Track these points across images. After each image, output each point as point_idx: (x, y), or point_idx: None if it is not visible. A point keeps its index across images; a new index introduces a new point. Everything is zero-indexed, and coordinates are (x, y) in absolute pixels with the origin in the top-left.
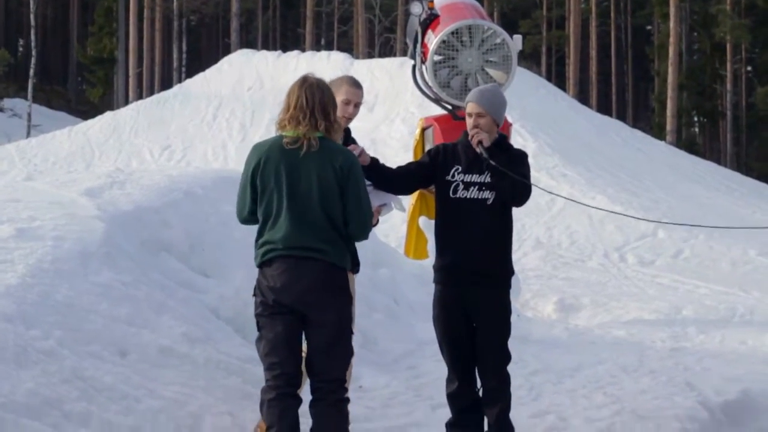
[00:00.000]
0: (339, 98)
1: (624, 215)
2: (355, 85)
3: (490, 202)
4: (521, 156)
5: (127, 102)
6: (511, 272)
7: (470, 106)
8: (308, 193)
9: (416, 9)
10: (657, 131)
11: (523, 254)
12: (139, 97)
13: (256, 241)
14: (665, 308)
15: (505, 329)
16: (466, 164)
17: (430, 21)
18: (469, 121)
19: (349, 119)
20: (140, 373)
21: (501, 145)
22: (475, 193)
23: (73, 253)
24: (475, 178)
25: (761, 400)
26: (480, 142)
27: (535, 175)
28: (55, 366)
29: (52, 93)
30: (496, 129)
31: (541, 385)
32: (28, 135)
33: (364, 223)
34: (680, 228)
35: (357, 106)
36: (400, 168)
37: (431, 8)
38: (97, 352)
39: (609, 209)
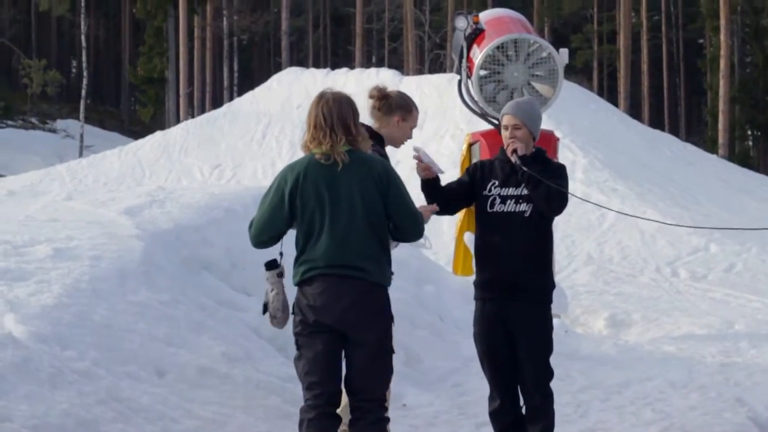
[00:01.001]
0: (410, 124)
1: (671, 224)
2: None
3: (527, 214)
4: (559, 167)
5: (178, 121)
6: (552, 286)
7: (506, 119)
8: (351, 207)
9: (461, 24)
10: (710, 145)
11: (574, 270)
12: (191, 116)
13: (296, 259)
14: (717, 323)
15: (546, 345)
16: (502, 178)
17: (476, 35)
18: (505, 134)
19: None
20: (178, 394)
21: (538, 158)
22: (512, 207)
23: (111, 273)
24: (512, 191)
25: None
26: (515, 151)
27: (586, 191)
28: (91, 387)
29: (104, 114)
30: (533, 142)
31: (588, 402)
32: (81, 156)
33: (416, 222)
34: (733, 242)
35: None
36: (444, 188)
37: (476, 23)
38: (134, 372)
39: (659, 220)
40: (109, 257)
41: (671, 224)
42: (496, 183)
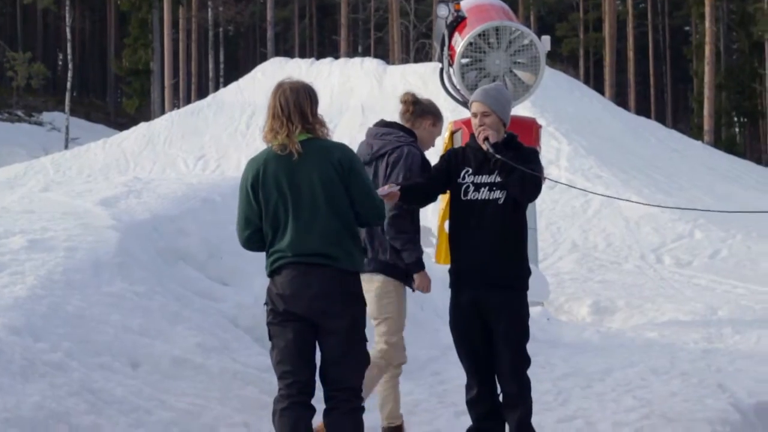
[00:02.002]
0: (438, 129)
1: (638, 203)
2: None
3: (501, 202)
4: (531, 152)
5: (163, 113)
6: (527, 273)
7: (475, 106)
8: (313, 196)
9: (442, 11)
10: (696, 132)
11: (559, 257)
12: (176, 107)
13: (266, 251)
14: (701, 309)
15: (522, 332)
16: (475, 166)
17: (457, 23)
18: (475, 121)
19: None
20: (152, 385)
21: (509, 143)
22: (485, 194)
23: (85, 264)
24: (485, 178)
25: None
26: (486, 139)
27: (570, 177)
28: (63, 379)
29: (90, 106)
30: (504, 128)
31: (569, 390)
32: (66, 148)
33: (376, 208)
34: (717, 228)
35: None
36: (422, 178)
37: (458, 10)
38: (108, 363)
39: (643, 202)
40: (84, 248)
41: (654, 206)
42: (470, 171)
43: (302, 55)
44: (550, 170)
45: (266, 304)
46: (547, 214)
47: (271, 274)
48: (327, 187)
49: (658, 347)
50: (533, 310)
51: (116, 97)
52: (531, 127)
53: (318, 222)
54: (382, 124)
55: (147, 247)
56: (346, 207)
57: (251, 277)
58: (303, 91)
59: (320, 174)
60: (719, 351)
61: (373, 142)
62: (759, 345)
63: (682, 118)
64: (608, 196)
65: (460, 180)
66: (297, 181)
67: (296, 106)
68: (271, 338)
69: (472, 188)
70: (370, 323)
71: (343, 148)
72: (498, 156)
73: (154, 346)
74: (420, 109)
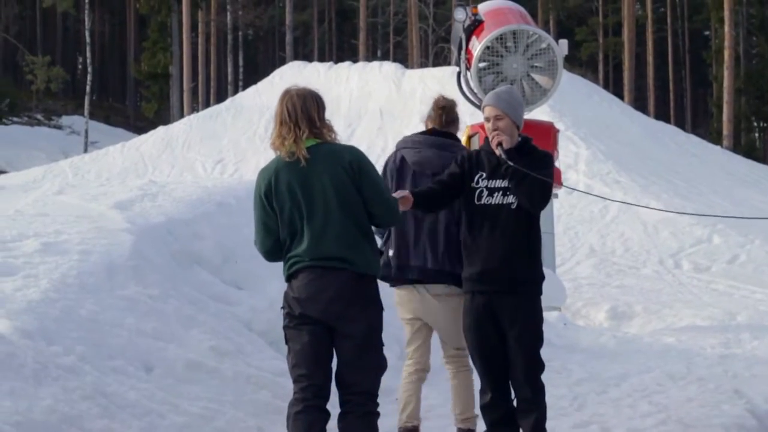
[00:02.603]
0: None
1: (672, 212)
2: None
3: (514, 206)
4: (545, 156)
5: (182, 117)
6: (541, 277)
7: (487, 110)
8: (326, 200)
9: (460, 15)
10: (715, 137)
11: (576, 262)
12: (195, 111)
13: (284, 257)
14: (719, 314)
15: (536, 336)
16: (489, 170)
17: (475, 27)
18: (488, 126)
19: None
20: (165, 389)
21: (524, 147)
22: (499, 199)
23: (99, 267)
24: (499, 183)
25: None
26: (500, 144)
27: (589, 182)
28: (76, 382)
29: (110, 110)
30: (517, 131)
31: (585, 395)
32: (85, 152)
33: (390, 207)
34: (736, 233)
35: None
36: (435, 183)
37: (475, 14)
38: (121, 367)
39: (660, 209)
40: (98, 251)
41: (672, 212)
42: (484, 175)
43: (321, 59)
44: (568, 175)
45: (283, 307)
46: (564, 219)
47: (288, 278)
48: (339, 190)
49: (675, 352)
50: (550, 315)
51: (136, 100)
52: (549, 131)
53: (332, 226)
54: (437, 133)
55: (161, 251)
56: (360, 209)
57: (266, 281)
58: (310, 97)
59: (331, 177)
60: (736, 356)
61: (442, 154)
62: None
63: (701, 122)
64: (623, 202)
65: (474, 184)
66: (309, 187)
67: (303, 111)
68: (287, 342)
69: (486, 193)
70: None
71: (352, 150)
72: (510, 163)
73: (168, 350)
74: (456, 115)
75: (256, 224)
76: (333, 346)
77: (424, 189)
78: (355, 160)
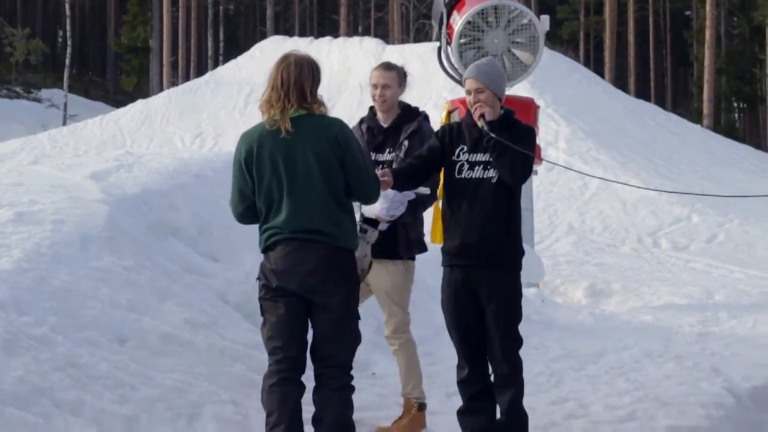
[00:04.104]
0: (370, 84)
1: (636, 187)
2: (382, 67)
3: (494, 180)
4: (526, 131)
5: (161, 91)
6: (521, 253)
7: (468, 83)
8: (308, 173)
9: None
10: (695, 116)
11: (555, 240)
12: (175, 85)
13: (260, 227)
14: (697, 293)
15: (514, 312)
16: (471, 144)
17: (456, 2)
18: (469, 98)
19: (384, 101)
20: (138, 361)
21: (506, 120)
22: (480, 173)
23: (73, 237)
24: (480, 157)
25: None
26: (482, 116)
27: (568, 159)
28: (48, 353)
29: (89, 83)
30: (499, 103)
31: (562, 372)
32: (64, 125)
33: (370, 185)
34: (715, 212)
35: (385, 87)
36: (414, 159)
37: None
38: (94, 338)
39: (640, 186)
40: (73, 222)
41: (651, 189)
42: (465, 148)
43: (302, 34)
44: (548, 152)
45: (259, 279)
46: (544, 196)
47: (265, 249)
48: (323, 163)
49: (653, 330)
50: (528, 292)
51: (116, 74)
52: (530, 107)
53: (313, 198)
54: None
55: (137, 222)
56: (341, 184)
57: (242, 253)
58: (307, 67)
59: (316, 151)
60: (715, 335)
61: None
62: (755, 329)
63: (682, 102)
64: (603, 179)
65: (454, 158)
66: (293, 158)
67: (296, 83)
68: (262, 313)
69: (466, 166)
70: (365, 302)
71: (340, 123)
72: (492, 135)
73: (142, 322)
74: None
75: (232, 187)
76: (309, 319)
77: (403, 166)
78: (342, 134)
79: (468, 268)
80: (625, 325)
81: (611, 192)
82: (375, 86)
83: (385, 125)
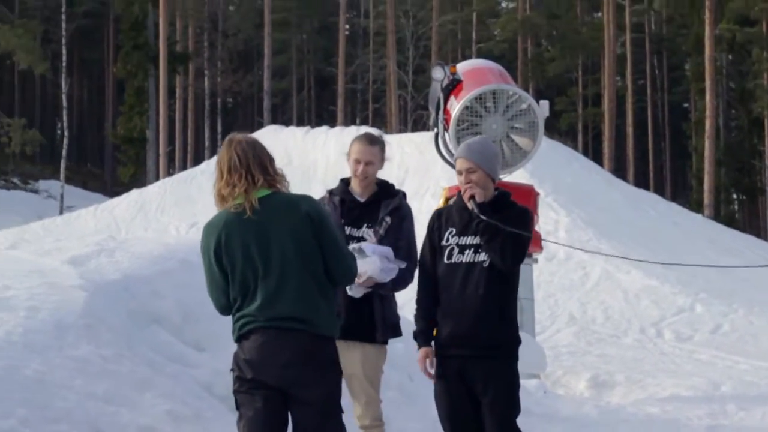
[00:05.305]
0: (351, 158)
1: (635, 260)
2: (365, 141)
3: (486, 264)
4: (522, 212)
5: (157, 181)
6: (517, 341)
7: (459, 163)
8: (284, 256)
9: (438, 74)
10: (695, 208)
11: (557, 330)
12: (171, 175)
13: (233, 315)
14: (703, 384)
15: (511, 403)
16: (460, 226)
17: (453, 86)
18: (460, 179)
19: (366, 178)
20: None
21: (500, 201)
22: (470, 257)
23: (48, 325)
24: (470, 240)
25: None
26: (472, 197)
27: (568, 250)
28: None
29: (87, 175)
30: (492, 184)
31: None
32: (60, 215)
33: (347, 264)
34: (719, 302)
35: (369, 164)
36: (427, 280)
37: (453, 73)
38: None
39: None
40: (48, 308)
41: (635, 260)
42: (454, 231)
43: (300, 126)
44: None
45: (232, 370)
46: (544, 286)
47: (239, 339)
48: (298, 243)
49: (661, 423)
50: (530, 383)
51: (113, 166)
52: (530, 194)
53: (290, 283)
54: None
55: (117, 309)
56: (319, 264)
57: (229, 342)
58: (259, 144)
59: (290, 230)
60: (724, 427)
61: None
62: (764, 421)
63: (681, 194)
64: (611, 255)
65: (443, 242)
66: (266, 241)
67: (255, 157)
68: (238, 408)
69: (456, 250)
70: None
71: (309, 199)
72: (482, 217)
73: (119, 414)
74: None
75: (207, 281)
76: (288, 414)
77: (426, 297)
78: (314, 210)
79: (461, 358)
80: (631, 418)
81: (613, 282)
82: (357, 161)
83: (361, 200)
